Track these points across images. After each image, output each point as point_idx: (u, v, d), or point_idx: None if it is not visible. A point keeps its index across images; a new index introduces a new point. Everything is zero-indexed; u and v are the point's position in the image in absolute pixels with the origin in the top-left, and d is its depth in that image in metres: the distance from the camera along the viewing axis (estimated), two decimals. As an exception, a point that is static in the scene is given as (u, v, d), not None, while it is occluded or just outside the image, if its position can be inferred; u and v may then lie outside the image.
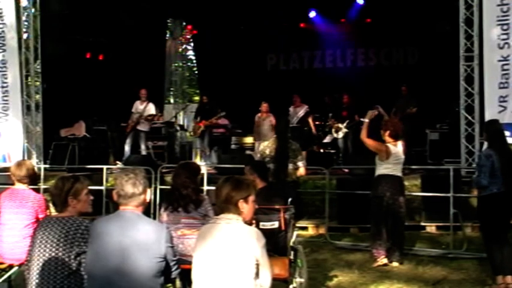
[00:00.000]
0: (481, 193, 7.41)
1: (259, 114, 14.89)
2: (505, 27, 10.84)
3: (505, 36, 10.83)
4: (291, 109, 15.60)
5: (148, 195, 4.23)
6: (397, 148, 8.43)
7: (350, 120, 14.54)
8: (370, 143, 8.46)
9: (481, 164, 7.28)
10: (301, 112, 15.42)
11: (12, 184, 6.35)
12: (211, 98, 15.68)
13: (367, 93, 16.45)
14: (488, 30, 11.01)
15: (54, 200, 4.67)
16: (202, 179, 10.32)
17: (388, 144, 8.40)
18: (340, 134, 14.67)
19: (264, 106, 14.81)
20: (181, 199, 5.91)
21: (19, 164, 6.36)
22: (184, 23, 23.17)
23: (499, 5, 10.90)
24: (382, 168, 8.40)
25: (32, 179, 6.40)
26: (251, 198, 4.22)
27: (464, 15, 11.57)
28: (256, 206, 4.38)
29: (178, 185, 6.02)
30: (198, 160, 15.36)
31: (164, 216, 5.98)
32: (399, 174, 8.50)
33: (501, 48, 10.86)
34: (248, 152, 15.51)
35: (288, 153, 8.77)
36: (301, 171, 9.01)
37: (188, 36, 25.89)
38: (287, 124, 10.02)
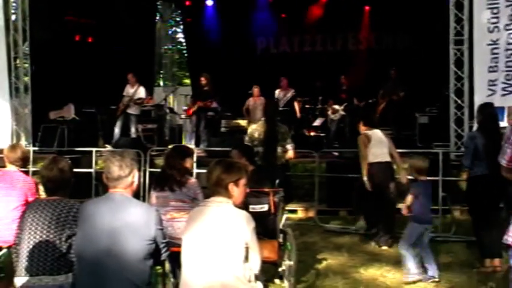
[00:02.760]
0: (469, 175, 7.49)
1: (251, 99, 14.85)
2: (495, 10, 10.84)
3: (495, 20, 10.83)
4: (278, 92, 15.54)
5: (136, 178, 4.23)
6: (376, 132, 8.52)
7: (348, 103, 14.57)
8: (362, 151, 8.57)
9: (465, 145, 7.37)
10: (289, 95, 15.41)
11: (3, 166, 6.34)
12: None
13: (357, 77, 16.47)
14: (479, 13, 11.01)
15: (53, 183, 4.68)
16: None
17: (365, 131, 8.51)
18: (337, 116, 14.70)
19: (256, 90, 14.77)
20: (166, 179, 5.96)
21: (13, 147, 6.37)
22: (173, 6, 23.05)
23: (489, -11, 10.91)
24: (370, 155, 8.44)
25: (25, 161, 6.43)
26: (242, 181, 4.22)
27: (454, -1, 11.58)
28: (248, 189, 4.38)
29: (165, 165, 6.13)
30: (185, 142, 15.28)
31: (153, 198, 6.03)
32: (387, 159, 8.53)
33: (491, 32, 10.87)
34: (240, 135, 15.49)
35: (276, 136, 8.77)
36: (290, 154, 9.03)
37: (178, 19, 25.78)
38: (276, 107, 10.02)
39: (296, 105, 15.48)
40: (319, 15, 19.26)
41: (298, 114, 15.52)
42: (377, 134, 8.61)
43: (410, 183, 7.18)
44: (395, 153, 8.68)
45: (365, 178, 8.56)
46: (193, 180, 6.12)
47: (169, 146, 8.14)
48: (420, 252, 6.99)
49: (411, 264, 6.86)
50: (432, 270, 6.87)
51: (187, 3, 21.45)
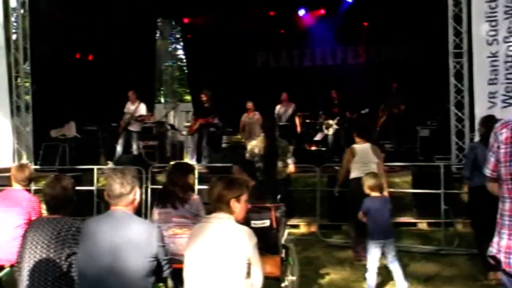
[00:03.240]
0: (469, 186, 7.49)
1: (246, 114, 14.89)
2: (493, 23, 10.88)
3: (493, 33, 10.87)
4: (279, 107, 15.58)
5: (138, 195, 4.23)
6: (365, 147, 8.50)
7: (341, 117, 14.59)
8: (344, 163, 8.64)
9: (466, 156, 7.38)
10: (290, 110, 15.42)
11: (7, 185, 6.36)
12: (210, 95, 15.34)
13: (357, 90, 16.51)
14: (477, 26, 11.05)
15: (56, 201, 4.69)
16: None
17: (354, 145, 8.52)
18: (331, 131, 14.71)
19: (249, 105, 14.83)
20: (169, 196, 5.95)
21: (21, 166, 6.40)
22: (173, 23, 23.15)
23: (487, 2, 10.94)
24: (353, 171, 8.46)
25: (31, 181, 6.43)
26: (243, 197, 4.22)
27: (453, 12, 11.62)
28: (249, 205, 4.38)
29: (168, 182, 6.11)
30: (188, 159, 15.27)
31: (156, 214, 6.00)
32: None
33: (490, 44, 10.91)
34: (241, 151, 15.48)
35: (277, 151, 8.75)
36: (291, 168, 8.98)
37: (178, 36, 25.88)
38: (274, 122, 10.01)
39: (297, 120, 15.50)
40: (320, 30, 19.28)
41: (299, 129, 15.54)
42: (365, 149, 8.55)
43: (363, 199, 7.21)
44: (381, 171, 8.53)
45: (337, 189, 8.84)
46: (195, 196, 6.10)
47: (171, 163, 8.13)
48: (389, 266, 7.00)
49: (371, 280, 6.90)
50: (400, 285, 6.86)
51: (185, 20, 21.51)
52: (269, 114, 12.55)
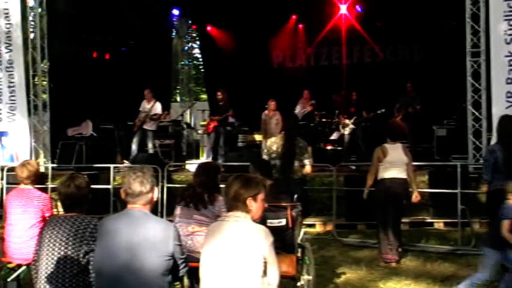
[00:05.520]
0: (489, 188, 7.43)
1: (266, 112, 14.83)
2: (511, 22, 10.81)
3: (512, 32, 10.81)
4: (299, 104, 15.56)
5: (156, 194, 4.24)
6: (396, 147, 8.38)
7: (358, 117, 14.57)
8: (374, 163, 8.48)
9: (485, 158, 7.33)
10: (306, 109, 15.39)
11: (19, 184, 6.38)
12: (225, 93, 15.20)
13: (373, 90, 16.49)
14: (495, 25, 10.98)
15: (70, 200, 4.71)
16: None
17: (385, 145, 8.38)
18: (347, 130, 14.70)
19: (272, 104, 14.73)
20: (194, 197, 5.89)
21: (22, 165, 6.34)
22: (190, 22, 23.19)
23: (505, 0, 10.87)
24: (383, 171, 8.36)
25: (35, 179, 6.35)
26: (260, 196, 4.20)
27: (471, 11, 11.55)
28: (266, 204, 4.37)
29: (195, 183, 6.02)
30: (204, 158, 15.27)
31: (178, 210, 5.96)
32: (402, 176, 8.40)
33: (508, 43, 10.84)
34: (257, 149, 15.46)
35: (294, 151, 8.70)
36: (308, 169, 8.88)
37: (194, 35, 25.92)
38: (296, 121, 9.99)
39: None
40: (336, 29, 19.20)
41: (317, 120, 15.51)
42: (396, 148, 8.44)
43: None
44: (411, 172, 8.48)
45: (366, 190, 8.55)
46: (220, 197, 6.00)
47: (197, 162, 7.85)
48: None
49: None
50: None
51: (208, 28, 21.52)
52: (287, 113, 12.50)
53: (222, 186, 9.33)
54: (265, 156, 8.80)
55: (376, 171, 8.41)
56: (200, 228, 5.70)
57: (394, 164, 8.27)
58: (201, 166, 6.39)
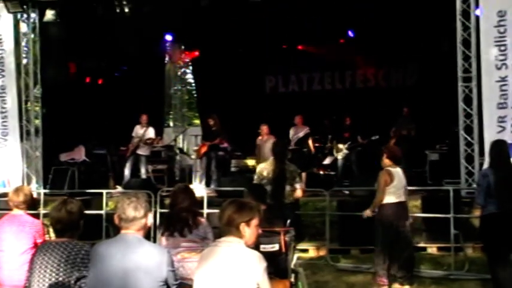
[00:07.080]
0: (482, 213, 7.44)
1: (259, 137, 14.83)
2: (502, 48, 10.90)
3: (502, 57, 10.88)
4: (292, 130, 15.56)
5: (150, 219, 4.24)
6: (398, 171, 8.39)
7: (352, 142, 14.59)
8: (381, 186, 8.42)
9: (478, 183, 7.34)
10: (301, 133, 15.39)
11: (11, 210, 6.34)
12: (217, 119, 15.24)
13: (366, 114, 16.52)
14: (486, 51, 11.05)
15: (61, 224, 4.68)
16: (202, 202, 10.33)
17: (389, 168, 8.35)
18: (340, 155, 14.71)
19: (264, 128, 14.73)
20: (178, 222, 5.88)
21: (16, 190, 6.31)
22: (183, 47, 23.26)
23: (496, 26, 10.95)
24: (390, 194, 8.32)
25: (30, 204, 6.34)
26: (254, 222, 4.20)
27: (462, 37, 11.61)
28: (260, 230, 4.36)
29: (179, 209, 6.00)
30: (197, 183, 15.25)
31: (163, 240, 5.95)
32: (403, 199, 8.42)
33: (499, 68, 10.91)
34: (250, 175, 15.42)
35: (285, 175, 8.70)
36: (298, 193, 8.85)
37: (187, 60, 25.98)
38: (284, 146, 9.98)
39: (310, 143, 15.41)
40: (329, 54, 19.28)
41: (313, 149, 15.45)
42: (399, 173, 8.44)
43: None
44: (406, 195, 8.51)
45: (368, 212, 8.46)
46: (203, 220, 6.06)
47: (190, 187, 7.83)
48: None
49: None
50: None
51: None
52: (280, 138, 12.51)
53: (210, 211, 9.43)
54: (256, 182, 8.79)
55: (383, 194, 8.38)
56: (189, 254, 5.70)
57: (398, 188, 8.30)
58: (182, 191, 6.29)
